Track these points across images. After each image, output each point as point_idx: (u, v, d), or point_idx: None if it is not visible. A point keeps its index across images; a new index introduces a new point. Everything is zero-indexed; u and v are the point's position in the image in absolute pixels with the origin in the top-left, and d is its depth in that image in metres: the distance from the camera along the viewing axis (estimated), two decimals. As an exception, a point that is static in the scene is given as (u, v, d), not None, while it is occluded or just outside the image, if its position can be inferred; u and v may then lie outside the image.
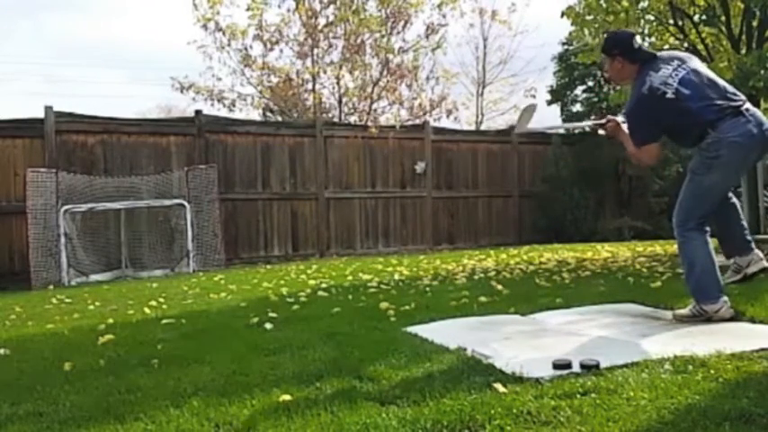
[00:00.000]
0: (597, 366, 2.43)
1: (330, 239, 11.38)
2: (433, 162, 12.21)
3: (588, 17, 8.49)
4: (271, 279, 7.12)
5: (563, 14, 8.56)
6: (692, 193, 3.40)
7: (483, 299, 4.38)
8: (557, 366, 2.45)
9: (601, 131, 3.76)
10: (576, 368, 2.44)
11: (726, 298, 3.34)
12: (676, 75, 3.34)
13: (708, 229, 3.43)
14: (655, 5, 8.34)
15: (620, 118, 3.66)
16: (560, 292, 4.59)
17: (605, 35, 3.81)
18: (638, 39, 3.56)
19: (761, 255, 3.46)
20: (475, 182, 12.72)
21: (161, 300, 5.62)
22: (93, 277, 8.76)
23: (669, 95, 3.30)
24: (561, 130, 3.87)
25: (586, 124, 3.84)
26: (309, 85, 14.16)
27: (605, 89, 13.79)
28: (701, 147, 3.35)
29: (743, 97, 3.41)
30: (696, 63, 3.50)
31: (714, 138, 3.27)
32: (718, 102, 3.30)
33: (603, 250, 9.07)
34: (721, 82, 3.44)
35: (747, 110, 3.31)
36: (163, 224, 9.56)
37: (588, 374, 2.37)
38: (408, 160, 12.08)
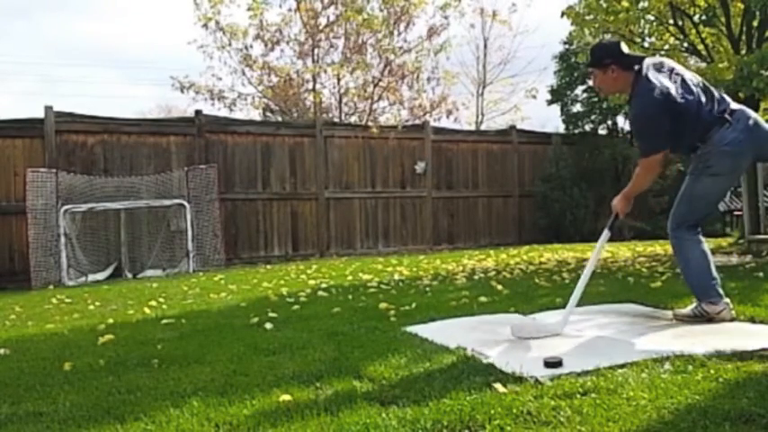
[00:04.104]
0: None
1: (330, 239, 11.38)
2: (433, 162, 12.21)
3: (588, 17, 8.49)
4: (271, 279, 7.12)
5: (563, 14, 8.57)
6: (687, 199, 3.41)
7: (483, 299, 4.38)
8: (548, 364, 2.46)
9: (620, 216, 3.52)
10: (568, 367, 2.44)
11: (727, 300, 3.34)
12: (675, 82, 3.27)
13: (700, 230, 3.44)
14: (655, 5, 8.34)
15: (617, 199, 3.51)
16: (560, 292, 4.58)
17: (591, 50, 3.58)
18: (624, 44, 3.42)
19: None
20: (475, 182, 12.72)
21: (161, 300, 5.62)
22: (93, 277, 8.76)
23: (679, 100, 3.22)
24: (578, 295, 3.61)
25: (601, 246, 3.69)
26: (310, 85, 14.17)
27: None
28: (695, 154, 3.35)
29: (727, 99, 3.36)
30: (682, 68, 3.44)
31: (704, 149, 3.27)
32: (711, 109, 3.26)
33: (603, 250, 9.07)
34: (707, 85, 3.39)
35: (732, 114, 3.26)
36: (165, 228, 9.56)
37: (587, 375, 2.37)
38: (408, 160, 12.08)
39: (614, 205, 3.51)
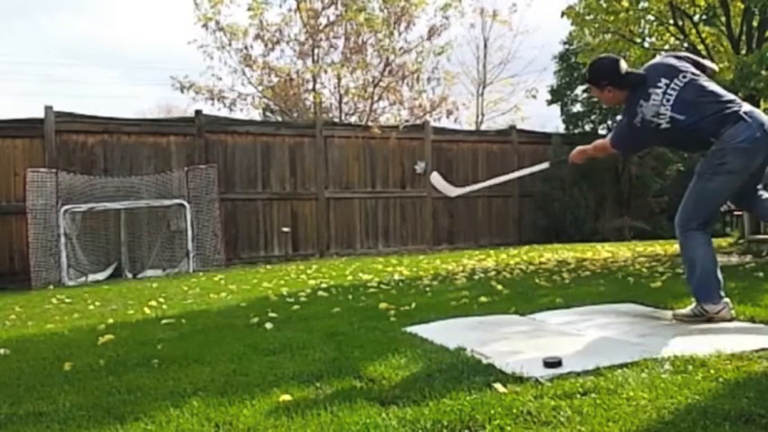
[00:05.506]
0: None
1: (330, 239, 11.38)
2: (433, 162, 12.21)
3: (588, 17, 8.50)
4: (271, 279, 7.12)
5: (563, 14, 8.57)
6: (696, 197, 3.38)
7: (483, 299, 4.38)
8: (548, 364, 2.46)
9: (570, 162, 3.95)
10: (569, 367, 2.44)
11: (727, 300, 3.33)
12: (668, 101, 3.24)
13: (708, 230, 3.43)
14: (655, 5, 8.35)
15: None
16: (560, 292, 4.59)
17: (588, 66, 3.62)
18: (623, 63, 3.41)
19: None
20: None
21: (161, 300, 5.62)
22: (93, 277, 8.77)
23: (663, 126, 3.26)
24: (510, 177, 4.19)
25: (535, 169, 4.26)
26: (310, 85, 14.17)
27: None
28: (706, 153, 3.33)
29: (739, 101, 3.33)
30: (687, 72, 3.34)
31: (718, 146, 3.23)
32: (716, 113, 3.23)
33: (603, 250, 9.07)
34: (716, 89, 3.33)
35: (747, 113, 3.24)
36: (165, 228, 9.56)
37: (587, 375, 2.37)
38: (408, 160, 12.08)
39: (574, 152, 3.84)
